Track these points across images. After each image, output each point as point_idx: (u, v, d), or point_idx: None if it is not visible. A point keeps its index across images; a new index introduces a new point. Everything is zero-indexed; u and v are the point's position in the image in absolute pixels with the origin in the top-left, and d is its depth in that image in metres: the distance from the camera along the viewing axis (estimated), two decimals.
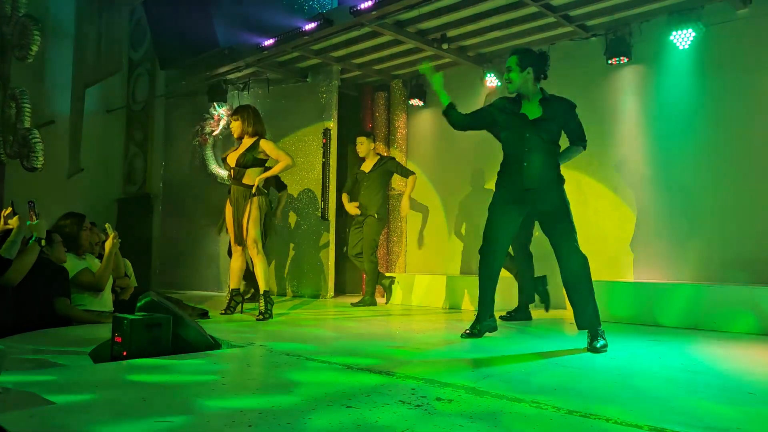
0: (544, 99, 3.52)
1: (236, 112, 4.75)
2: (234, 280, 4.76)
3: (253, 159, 4.59)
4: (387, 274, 6.37)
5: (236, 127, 4.70)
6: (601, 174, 5.78)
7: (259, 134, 4.66)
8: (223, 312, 4.70)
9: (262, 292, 4.52)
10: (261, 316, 4.42)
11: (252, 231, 4.51)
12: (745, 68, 5.01)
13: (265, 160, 4.68)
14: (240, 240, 4.64)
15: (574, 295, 3.34)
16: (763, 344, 3.67)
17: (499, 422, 1.82)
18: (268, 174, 4.62)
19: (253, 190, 4.55)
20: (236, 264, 4.74)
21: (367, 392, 2.12)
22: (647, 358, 3.11)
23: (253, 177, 4.59)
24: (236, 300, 4.76)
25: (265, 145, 4.61)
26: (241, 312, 4.81)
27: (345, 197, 6.17)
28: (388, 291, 6.04)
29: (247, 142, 4.67)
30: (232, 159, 4.67)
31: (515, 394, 2.11)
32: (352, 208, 6.06)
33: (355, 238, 6.03)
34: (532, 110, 3.50)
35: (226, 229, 4.82)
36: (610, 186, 5.74)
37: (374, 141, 6.30)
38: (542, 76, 3.55)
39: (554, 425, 1.77)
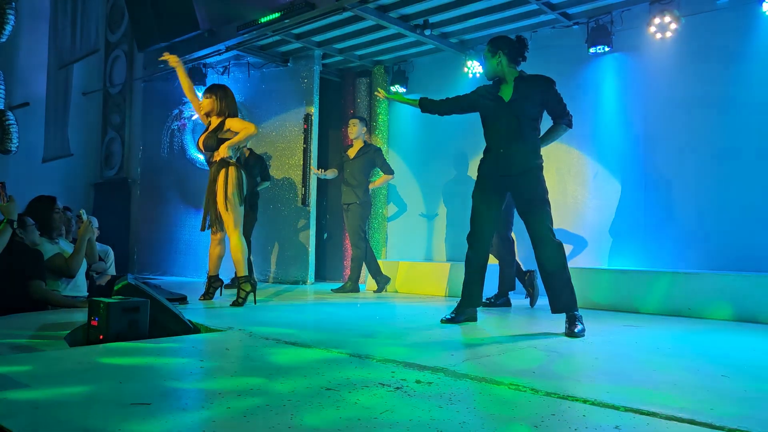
0: (518, 78, 3.53)
1: (209, 90, 4.59)
2: (212, 266, 4.64)
3: (217, 141, 4.43)
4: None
5: (207, 104, 4.55)
6: (581, 161, 5.83)
7: (226, 114, 4.50)
8: (202, 298, 4.61)
9: (239, 276, 4.41)
10: (234, 302, 4.34)
11: (226, 207, 4.34)
12: (723, 58, 5.06)
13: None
14: (215, 223, 4.48)
15: (550, 280, 3.37)
16: (737, 330, 3.74)
17: (478, 404, 1.84)
18: (234, 141, 4.39)
19: (216, 157, 4.38)
20: (215, 251, 4.61)
21: (347, 375, 2.12)
22: (623, 343, 3.16)
23: (224, 153, 4.44)
24: (215, 286, 4.66)
25: (231, 122, 4.45)
26: (220, 295, 4.75)
27: (333, 170, 6.18)
28: (379, 288, 5.99)
29: (214, 122, 4.52)
30: (200, 144, 4.55)
31: (494, 376, 2.13)
32: (320, 171, 6.19)
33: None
34: (508, 92, 3.52)
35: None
36: (589, 173, 5.78)
37: (366, 126, 6.22)
38: (519, 58, 3.57)
39: (532, 407, 1.79)
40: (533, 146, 3.49)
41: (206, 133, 4.54)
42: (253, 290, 4.43)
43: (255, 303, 4.44)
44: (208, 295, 4.63)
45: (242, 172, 4.49)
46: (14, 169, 7.98)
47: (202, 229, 4.56)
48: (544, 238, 3.36)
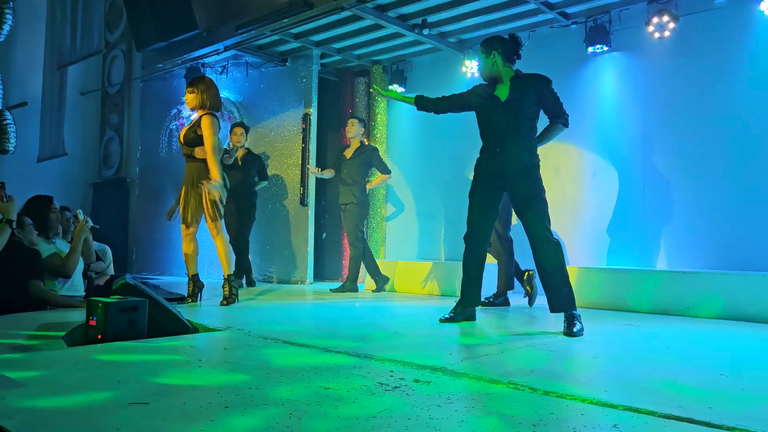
0: (515, 77, 3.52)
1: (190, 84, 4.48)
2: (193, 265, 4.50)
3: (195, 136, 4.35)
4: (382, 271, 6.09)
5: (190, 100, 4.43)
6: (579, 160, 5.83)
7: (207, 108, 4.40)
8: (189, 299, 4.45)
9: (226, 276, 4.36)
10: (225, 301, 4.30)
11: (214, 211, 4.28)
12: (721, 57, 5.06)
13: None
14: (191, 221, 4.38)
15: (548, 280, 3.37)
16: (734, 328, 3.75)
17: (477, 403, 1.84)
18: (210, 164, 4.29)
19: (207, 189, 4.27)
20: (190, 247, 4.45)
21: (346, 374, 2.12)
22: (621, 342, 3.16)
23: (203, 152, 4.34)
24: (199, 286, 4.51)
25: (204, 121, 4.32)
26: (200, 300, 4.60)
27: (330, 170, 6.21)
28: (378, 287, 5.99)
29: (197, 116, 4.45)
30: (181, 136, 4.45)
31: (493, 375, 2.13)
32: (317, 170, 6.22)
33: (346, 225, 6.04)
34: (504, 91, 3.51)
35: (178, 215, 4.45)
36: (587, 172, 5.79)
37: (365, 127, 6.22)
38: (514, 57, 3.56)
39: (531, 406, 1.79)
40: (530, 145, 3.49)
41: (188, 127, 4.46)
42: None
43: (238, 301, 4.44)
44: (193, 296, 4.48)
45: (225, 177, 4.44)
46: (12, 169, 7.97)
47: (188, 227, 4.43)
48: (542, 237, 3.36)
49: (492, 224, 3.67)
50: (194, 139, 4.35)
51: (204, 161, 4.35)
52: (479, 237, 3.61)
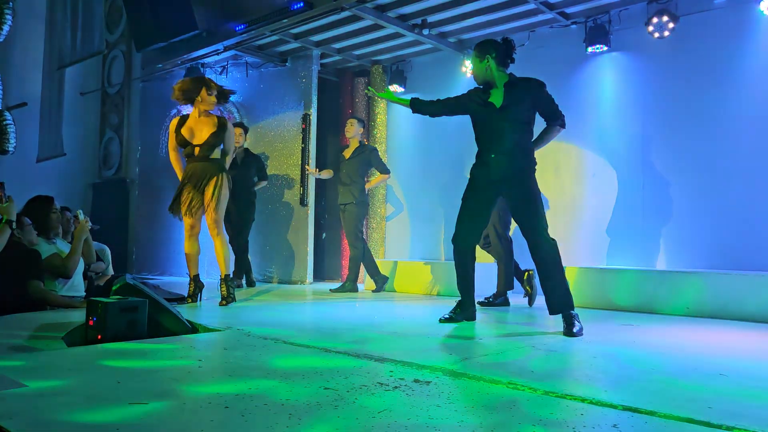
0: (508, 83, 3.49)
1: (211, 86, 4.52)
2: (195, 265, 4.53)
3: (217, 140, 4.47)
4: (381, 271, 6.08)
5: (211, 102, 4.50)
6: (579, 160, 5.83)
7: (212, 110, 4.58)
8: (189, 300, 4.46)
9: (223, 276, 4.37)
10: (224, 301, 4.30)
11: (216, 211, 4.33)
12: (721, 57, 5.07)
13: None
14: (195, 220, 4.41)
15: (546, 281, 3.38)
16: (735, 328, 3.75)
17: (477, 403, 1.84)
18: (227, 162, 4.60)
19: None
20: (193, 248, 4.49)
21: (345, 375, 2.12)
22: (621, 342, 3.16)
23: (217, 153, 4.50)
24: (200, 287, 4.52)
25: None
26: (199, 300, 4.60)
27: (328, 171, 6.26)
28: (378, 287, 5.98)
29: (209, 118, 4.48)
30: (197, 137, 4.44)
31: (492, 376, 2.13)
32: (315, 170, 6.36)
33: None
34: (499, 97, 3.49)
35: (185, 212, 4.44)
36: (587, 172, 5.79)
37: (363, 127, 6.23)
38: (508, 60, 3.54)
39: (531, 406, 1.79)
40: (526, 149, 3.49)
41: (203, 129, 4.45)
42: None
43: (235, 301, 4.45)
44: (193, 297, 4.48)
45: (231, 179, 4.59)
46: (12, 169, 7.97)
47: (193, 227, 4.44)
48: (540, 238, 3.37)
49: (482, 228, 3.68)
50: (216, 142, 4.47)
51: (213, 160, 4.46)
52: (467, 239, 3.61)
